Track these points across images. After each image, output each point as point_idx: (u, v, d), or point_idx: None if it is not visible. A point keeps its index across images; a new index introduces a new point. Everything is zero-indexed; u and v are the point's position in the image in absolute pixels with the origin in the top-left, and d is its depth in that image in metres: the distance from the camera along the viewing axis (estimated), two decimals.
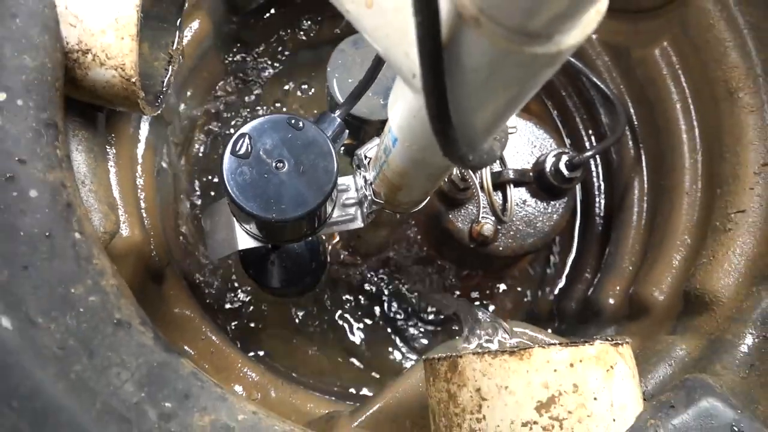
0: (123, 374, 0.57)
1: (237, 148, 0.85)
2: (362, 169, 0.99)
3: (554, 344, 0.71)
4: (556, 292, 1.54)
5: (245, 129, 0.85)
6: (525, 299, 1.54)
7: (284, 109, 1.54)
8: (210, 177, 1.46)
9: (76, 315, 0.58)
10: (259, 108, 1.54)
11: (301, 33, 1.59)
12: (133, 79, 0.75)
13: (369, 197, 0.96)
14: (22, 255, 0.58)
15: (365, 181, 0.97)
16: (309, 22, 1.59)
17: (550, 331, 1.47)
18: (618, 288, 1.32)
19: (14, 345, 0.51)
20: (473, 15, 0.38)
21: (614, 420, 0.69)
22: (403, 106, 0.62)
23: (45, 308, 0.56)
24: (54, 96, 0.67)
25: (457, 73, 0.45)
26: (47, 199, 0.61)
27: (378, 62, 0.98)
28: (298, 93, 1.57)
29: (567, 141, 1.57)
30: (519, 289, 1.54)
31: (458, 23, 0.40)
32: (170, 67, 0.95)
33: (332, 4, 0.54)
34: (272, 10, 1.56)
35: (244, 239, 1.00)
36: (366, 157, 0.99)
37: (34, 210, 0.60)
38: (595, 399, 0.68)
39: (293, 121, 0.87)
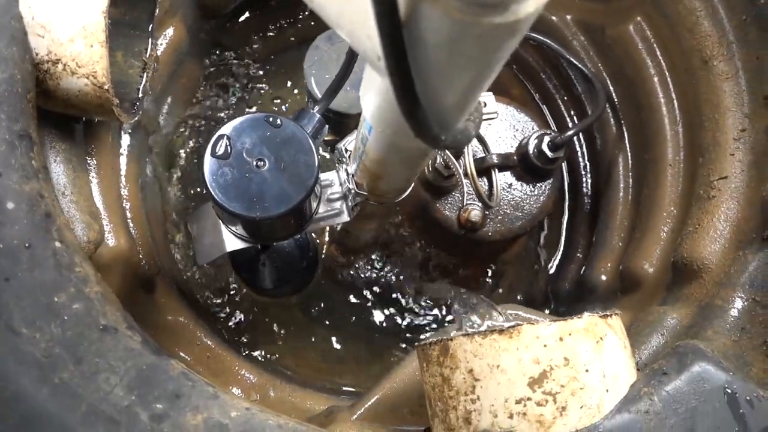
0: (112, 379, 0.57)
1: (216, 150, 0.85)
2: (344, 162, 1.00)
3: (543, 320, 0.71)
4: (550, 274, 1.55)
5: (223, 130, 0.85)
6: (519, 283, 1.54)
7: (270, 110, 1.54)
8: (196, 183, 1.46)
9: (60, 323, 0.58)
10: (240, 112, 1.54)
11: (279, 34, 1.59)
12: (106, 86, 0.75)
13: (352, 190, 0.96)
14: (3, 267, 0.58)
15: (347, 174, 0.97)
16: (285, 23, 1.59)
17: (547, 311, 1.48)
18: (609, 265, 1.32)
19: None
20: None
21: (607, 390, 0.69)
22: (373, 93, 0.62)
23: (29, 318, 0.56)
24: (26, 107, 0.67)
25: (419, 51, 0.45)
26: (25, 210, 0.61)
27: (352, 55, 0.98)
28: (281, 93, 1.57)
29: (551, 123, 1.57)
30: (512, 273, 1.54)
31: None
32: (145, 74, 0.95)
33: None
34: (247, 13, 1.56)
35: (232, 241, 1.00)
36: (346, 150, 0.99)
37: (12, 221, 0.60)
38: (586, 371, 0.69)
39: (271, 119, 0.87)
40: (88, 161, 0.98)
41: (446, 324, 1.46)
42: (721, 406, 0.70)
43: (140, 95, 0.92)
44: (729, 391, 0.70)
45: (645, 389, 0.70)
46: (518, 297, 1.53)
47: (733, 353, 0.82)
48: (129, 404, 0.56)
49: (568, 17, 1.42)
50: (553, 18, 1.42)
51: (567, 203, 1.56)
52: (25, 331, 0.55)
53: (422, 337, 1.47)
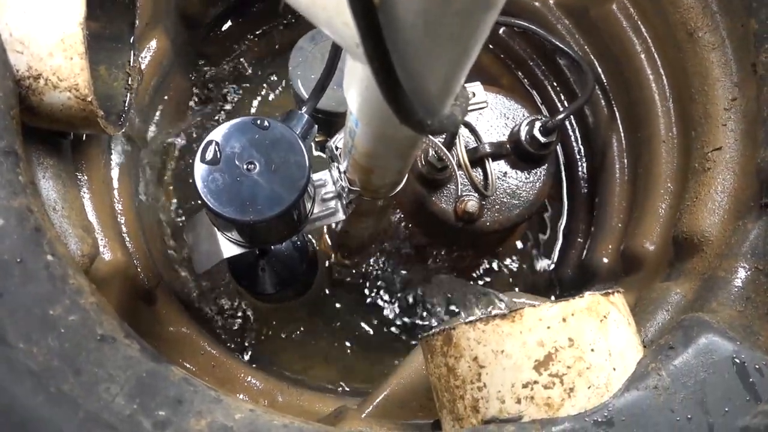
0: (113, 388, 0.57)
1: (206, 156, 0.84)
2: (335, 160, 0.99)
3: (545, 302, 0.70)
4: (552, 261, 1.54)
5: (211, 136, 0.85)
6: (522, 272, 1.53)
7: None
8: (189, 193, 1.45)
9: (57, 335, 0.57)
10: (232, 117, 1.54)
11: (262, 39, 1.59)
12: (89, 98, 0.74)
13: (346, 188, 0.96)
14: None
15: (340, 172, 0.96)
16: (267, 28, 1.59)
17: (553, 298, 1.47)
18: (610, 247, 1.32)
19: None
20: None
21: (614, 369, 0.68)
22: (356, 84, 0.61)
23: (25, 332, 0.56)
24: (10, 124, 0.67)
25: (396, 33, 0.44)
26: (14, 225, 0.60)
27: (335, 53, 0.98)
28: (270, 98, 1.57)
29: (543, 109, 1.57)
30: (514, 262, 1.53)
31: None
32: (129, 86, 0.95)
33: None
34: (229, 22, 1.56)
35: (228, 247, 1.00)
36: (337, 147, 0.98)
37: (2, 237, 0.59)
38: (592, 350, 0.68)
39: (258, 122, 0.86)
40: (79, 177, 0.97)
41: (449, 316, 1.45)
42: (731, 377, 0.69)
43: (126, 107, 0.91)
44: (737, 360, 0.69)
45: (652, 365, 0.70)
46: (522, 286, 1.52)
47: (739, 323, 0.81)
48: (131, 413, 0.56)
49: (551, 1, 1.42)
50: (536, 4, 1.42)
51: (564, 188, 1.55)
52: (22, 346, 0.55)
53: (426, 327, 1.46)
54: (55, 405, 0.51)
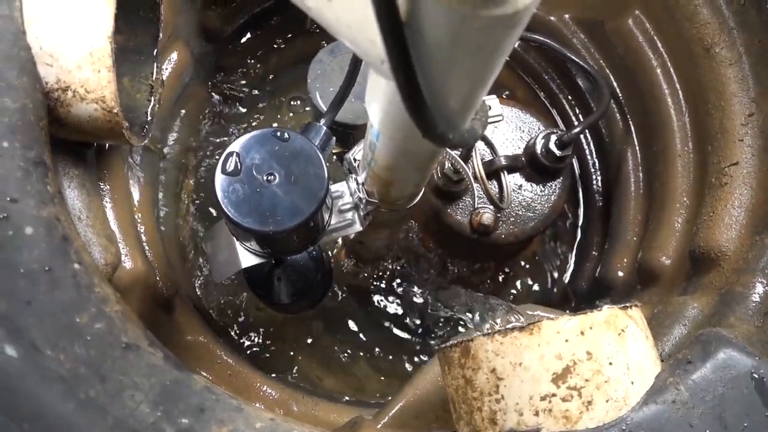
0: (137, 396, 0.58)
1: (227, 167, 0.85)
2: (353, 172, 1.00)
3: (563, 315, 0.71)
4: (567, 274, 1.54)
5: (232, 147, 0.86)
6: (537, 285, 1.53)
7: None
8: (208, 202, 1.47)
9: (84, 343, 0.58)
10: (250, 129, 1.55)
11: (280, 52, 1.61)
12: (115, 110, 0.76)
13: (363, 199, 0.97)
14: (24, 291, 0.58)
15: (357, 183, 0.97)
16: (286, 41, 1.61)
17: (568, 312, 1.47)
18: (625, 260, 1.32)
19: (20, 371, 0.52)
20: None
21: (632, 383, 0.68)
22: (379, 98, 0.63)
23: (52, 340, 0.57)
24: (39, 135, 0.68)
25: (422, 49, 0.45)
26: (43, 234, 0.62)
27: (354, 66, 0.99)
28: (288, 110, 1.59)
29: (558, 122, 1.58)
30: (529, 275, 1.53)
31: None
32: (152, 97, 0.96)
33: (294, 4, 0.54)
34: (248, 34, 1.58)
35: (247, 257, 1.01)
36: (355, 160, 1.00)
37: (31, 246, 0.61)
38: (610, 364, 0.68)
39: (279, 134, 0.87)
40: (101, 186, 0.99)
41: (465, 329, 1.45)
42: (750, 392, 0.69)
43: (149, 118, 0.93)
44: (756, 376, 0.69)
45: (670, 379, 0.70)
46: (537, 299, 1.52)
47: (758, 339, 0.81)
48: (155, 420, 0.57)
49: (566, 16, 1.42)
50: (552, 18, 1.43)
51: (579, 201, 1.56)
52: (49, 353, 0.56)
53: (441, 339, 1.46)
54: (86, 411, 0.52)
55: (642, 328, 0.73)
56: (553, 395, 0.67)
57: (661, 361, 0.74)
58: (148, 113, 0.94)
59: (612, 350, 0.68)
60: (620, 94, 1.37)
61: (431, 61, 0.46)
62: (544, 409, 0.67)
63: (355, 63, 0.96)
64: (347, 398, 1.30)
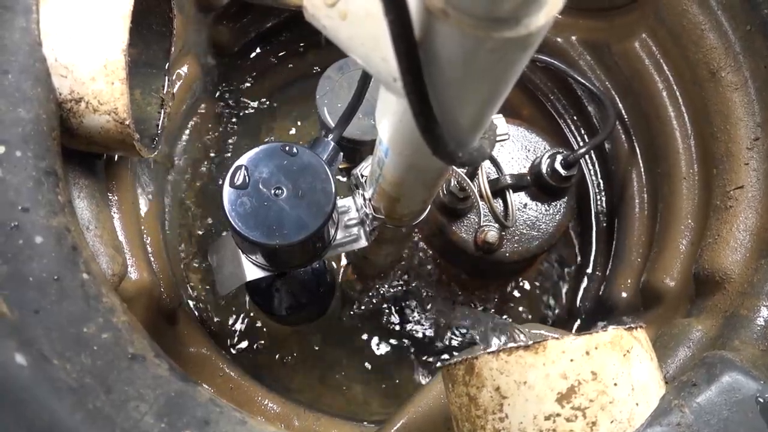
0: (142, 407, 0.58)
1: (235, 180, 0.86)
2: (360, 188, 1.01)
3: (568, 335, 0.71)
4: (570, 293, 1.54)
5: (241, 161, 0.87)
6: (540, 304, 1.53)
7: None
8: (214, 215, 1.47)
9: (90, 353, 0.58)
10: (258, 143, 1.56)
11: (290, 68, 1.63)
12: (127, 122, 0.77)
13: (370, 215, 0.97)
14: (33, 300, 0.59)
15: (364, 199, 0.98)
16: (296, 56, 1.62)
17: (572, 331, 1.47)
18: (629, 281, 1.32)
19: (30, 380, 0.52)
20: (440, 7, 0.39)
21: (637, 404, 0.68)
22: (389, 115, 0.63)
23: (59, 349, 0.57)
24: (51, 145, 0.69)
25: (435, 68, 0.46)
26: (52, 244, 0.62)
27: (363, 83, 1.00)
28: (295, 124, 1.60)
29: (564, 141, 1.58)
30: (532, 294, 1.53)
31: (428, 18, 0.41)
32: (162, 110, 0.97)
33: (309, 23, 0.55)
34: (258, 49, 1.60)
35: (252, 270, 1.01)
36: (362, 175, 1.00)
37: (41, 255, 0.61)
38: (615, 384, 0.68)
39: (287, 148, 0.88)
40: (109, 197, 1.00)
41: (469, 347, 1.45)
42: (754, 416, 0.68)
43: (159, 131, 0.94)
44: (761, 400, 0.69)
45: (675, 401, 0.69)
46: (540, 317, 1.52)
47: (762, 362, 0.81)
48: None
49: (573, 38, 1.44)
50: (559, 39, 1.44)
51: (583, 221, 1.56)
52: (56, 362, 0.56)
53: (444, 357, 1.46)
54: (94, 422, 0.52)
55: (647, 350, 0.73)
56: (558, 415, 0.67)
57: (665, 383, 0.74)
58: (159, 126, 0.95)
59: (617, 371, 0.68)
60: (626, 116, 1.38)
61: (443, 81, 0.47)
62: (548, 429, 0.67)
63: (364, 80, 0.97)
64: (348, 414, 1.29)
